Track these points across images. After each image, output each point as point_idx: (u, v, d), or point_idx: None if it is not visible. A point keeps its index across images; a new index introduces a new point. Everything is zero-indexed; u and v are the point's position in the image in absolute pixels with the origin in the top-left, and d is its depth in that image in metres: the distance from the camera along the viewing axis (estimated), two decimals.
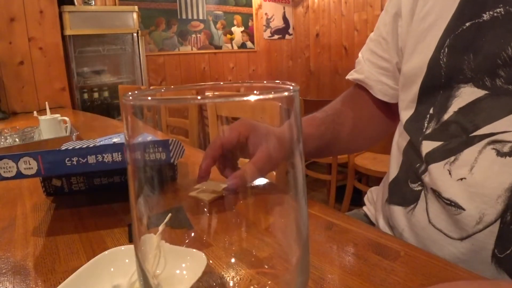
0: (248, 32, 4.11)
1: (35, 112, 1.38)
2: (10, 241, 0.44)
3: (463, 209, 0.44)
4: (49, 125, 1.22)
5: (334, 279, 0.32)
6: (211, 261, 0.27)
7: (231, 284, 0.26)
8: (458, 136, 0.47)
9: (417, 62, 0.54)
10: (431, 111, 0.51)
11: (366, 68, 0.67)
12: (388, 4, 0.64)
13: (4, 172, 0.42)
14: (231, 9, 3.95)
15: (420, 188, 0.51)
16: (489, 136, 0.44)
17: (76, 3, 2.66)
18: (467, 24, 0.47)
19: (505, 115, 0.43)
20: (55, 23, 2.53)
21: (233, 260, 0.27)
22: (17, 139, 1.18)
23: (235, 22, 4.00)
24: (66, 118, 1.28)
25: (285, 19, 4.40)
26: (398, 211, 0.55)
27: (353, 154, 2.02)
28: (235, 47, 4.03)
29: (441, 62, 0.50)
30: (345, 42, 3.89)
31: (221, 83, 0.27)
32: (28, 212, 0.53)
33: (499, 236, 0.42)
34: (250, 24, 4.11)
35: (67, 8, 2.53)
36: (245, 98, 0.19)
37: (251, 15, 4.11)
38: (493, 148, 0.43)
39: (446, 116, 0.49)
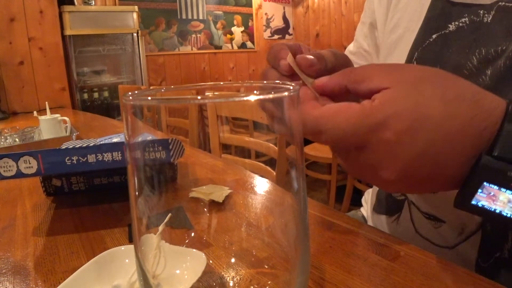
0: (248, 32, 4.11)
1: (35, 112, 1.38)
2: (10, 241, 0.44)
3: (443, 222, 0.44)
4: (49, 125, 1.22)
5: (334, 279, 0.32)
6: (211, 261, 0.27)
7: (231, 284, 0.26)
8: None
9: None
10: None
11: None
12: (363, 15, 0.63)
13: (4, 171, 0.42)
14: (231, 9, 3.95)
15: (403, 197, 0.51)
16: None
17: (76, 3, 2.66)
18: (434, 36, 0.47)
19: None
20: (55, 23, 2.53)
21: (233, 260, 0.27)
22: (17, 139, 1.18)
23: (235, 22, 4.00)
24: (66, 118, 1.28)
25: (285, 19, 4.40)
26: (383, 220, 0.55)
27: None
28: (235, 47, 4.03)
29: None
30: (345, 42, 3.89)
31: (221, 83, 0.27)
32: (28, 212, 0.53)
33: (481, 246, 0.42)
34: (250, 24, 4.11)
35: (67, 8, 2.53)
36: (245, 98, 0.19)
37: (251, 15, 4.11)
38: None
39: None
